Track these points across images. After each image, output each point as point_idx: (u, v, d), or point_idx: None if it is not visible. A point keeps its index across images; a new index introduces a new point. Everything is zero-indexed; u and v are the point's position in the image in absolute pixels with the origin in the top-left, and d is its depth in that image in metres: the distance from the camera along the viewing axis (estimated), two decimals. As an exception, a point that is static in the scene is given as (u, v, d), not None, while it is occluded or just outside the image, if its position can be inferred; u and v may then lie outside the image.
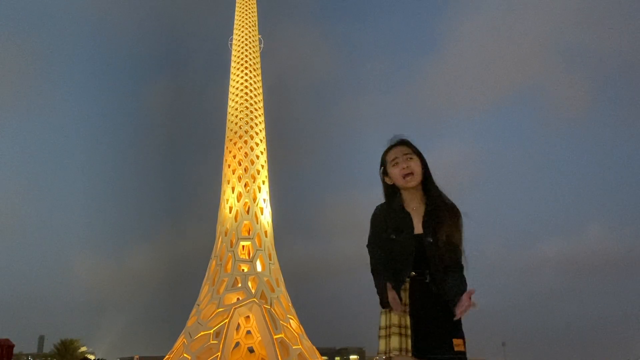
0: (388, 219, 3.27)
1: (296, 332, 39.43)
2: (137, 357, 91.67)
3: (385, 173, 3.37)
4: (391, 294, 3.06)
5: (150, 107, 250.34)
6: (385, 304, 3.13)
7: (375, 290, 3.31)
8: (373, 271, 3.29)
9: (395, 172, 3.26)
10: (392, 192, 3.39)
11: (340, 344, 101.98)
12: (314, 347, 41.14)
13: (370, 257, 3.34)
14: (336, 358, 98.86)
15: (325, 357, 69.86)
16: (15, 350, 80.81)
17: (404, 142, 3.34)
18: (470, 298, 2.92)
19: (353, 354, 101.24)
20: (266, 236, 43.90)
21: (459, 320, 3.09)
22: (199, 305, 41.26)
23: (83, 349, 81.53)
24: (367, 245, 3.38)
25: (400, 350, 3.01)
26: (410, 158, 3.25)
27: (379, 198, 3.53)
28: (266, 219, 45.01)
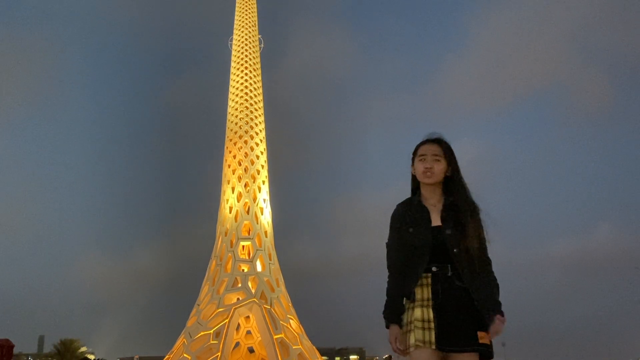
0: (406, 214, 3.36)
1: (296, 332, 39.43)
2: (137, 357, 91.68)
3: (413, 163, 3.50)
4: (393, 332, 3.18)
5: (151, 107, 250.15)
6: (387, 315, 3.25)
7: (381, 291, 3.40)
8: (388, 276, 3.38)
9: (419, 168, 3.39)
10: (416, 185, 3.51)
11: (340, 344, 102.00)
12: (314, 347, 41.15)
13: (387, 258, 3.43)
14: (336, 358, 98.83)
15: (325, 357, 69.87)
16: (15, 350, 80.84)
17: (436, 142, 3.41)
18: (502, 323, 3.03)
19: (353, 354, 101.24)
20: (266, 236, 43.93)
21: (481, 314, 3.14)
22: (199, 305, 41.28)
23: (83, 349, 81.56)
24: (386, 244, 3.45)
25: (424, 342, 3.04)
26: (437, 160, 3.34)
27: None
28: (266, 219, 45.05)
